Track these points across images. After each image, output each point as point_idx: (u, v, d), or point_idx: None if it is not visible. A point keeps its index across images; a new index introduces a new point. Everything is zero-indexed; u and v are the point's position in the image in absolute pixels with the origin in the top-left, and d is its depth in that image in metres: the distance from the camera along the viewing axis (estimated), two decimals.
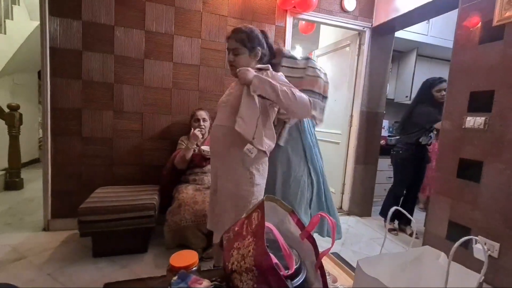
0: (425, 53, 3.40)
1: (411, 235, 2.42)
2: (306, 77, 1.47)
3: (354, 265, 0.77)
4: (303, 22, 2.96)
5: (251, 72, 1.18)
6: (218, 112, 1.35)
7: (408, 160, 2.43)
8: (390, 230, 2.51)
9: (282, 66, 1.49)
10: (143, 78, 2.16)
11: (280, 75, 1.28)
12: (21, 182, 3.09)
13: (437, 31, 3.05)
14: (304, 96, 1.19)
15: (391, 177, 3.29)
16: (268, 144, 1.28)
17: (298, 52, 4.90)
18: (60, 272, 1.58)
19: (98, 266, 1.67)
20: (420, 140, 2.36)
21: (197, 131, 1.92)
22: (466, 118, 1.64)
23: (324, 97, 1.47)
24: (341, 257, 0.96)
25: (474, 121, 1.60)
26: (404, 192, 2.55)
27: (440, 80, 2.29)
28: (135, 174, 2.23)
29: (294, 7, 2.36)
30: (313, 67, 1.50)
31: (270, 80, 1.17)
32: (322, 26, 3.40)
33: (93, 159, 2.13)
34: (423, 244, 1.85)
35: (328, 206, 1.67)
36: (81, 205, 1.71)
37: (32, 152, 4.26)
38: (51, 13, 1.93)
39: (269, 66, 1.31)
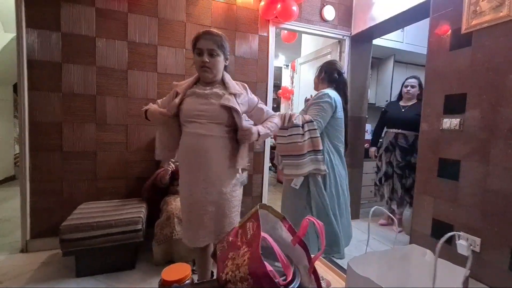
0: (401, 59, 3.58)
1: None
2: (293, 144, 1.52)
3: (345, 267, 0.78)
4: (285, 31, 3.04)
5: (256, 133, 1.24)
6: (194, 123, 1.21)
7: None
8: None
9: (277, 136, 1.58)
10: (126, 89, 2.13)
11: (253, 98, 1.36)
12: None
13: (411, 39, 3.22)
14: (276, 120, 1.40)
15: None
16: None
17: (281, 61, 4.96)
18: None
19: (82, 286, 1.59)
20: None
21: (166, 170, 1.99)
22: (443, 119, 1.73)
23: (317, 151, 1.52)
24: (332, 260, 0.97)
25: (450, 122, 1.69)
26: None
27: None
28: (120, 188, 2.16)
29: (276, 17, 2.43)
30: (295, 134, 1.55)
31: (268, 130, 1.31)
32: (303, 35, 3.50)
33: (75, 174, 2.05)
34: (410, 242, 1.91)
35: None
36: (63, 222, 1.63)
37: (7, 169, 4.04)
38: (28, 25, 1.88)
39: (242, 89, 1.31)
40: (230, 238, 0.74)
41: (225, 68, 1.30)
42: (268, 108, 1.38)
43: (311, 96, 3.23)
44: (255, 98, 1.35)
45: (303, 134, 1.51)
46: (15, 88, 3.92)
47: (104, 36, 2.05)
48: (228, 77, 1.29)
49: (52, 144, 1.99)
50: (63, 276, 1.68)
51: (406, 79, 2.62)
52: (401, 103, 2.61)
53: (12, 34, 3.03)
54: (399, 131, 2.51)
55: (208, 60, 1.18)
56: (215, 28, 2.32)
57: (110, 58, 2.07)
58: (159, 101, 1.41)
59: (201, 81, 1.28)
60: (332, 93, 1.60)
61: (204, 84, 1.26)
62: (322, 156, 1.53)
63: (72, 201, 2.00)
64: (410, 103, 2.56)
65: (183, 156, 1.26)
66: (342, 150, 1.67)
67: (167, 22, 2.19)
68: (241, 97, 1.25)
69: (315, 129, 1.52)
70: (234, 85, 1.27)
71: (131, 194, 2.16)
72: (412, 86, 2.54)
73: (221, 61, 1.23)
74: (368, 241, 0.72)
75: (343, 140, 1.68)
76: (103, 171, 2.11)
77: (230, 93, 1.22)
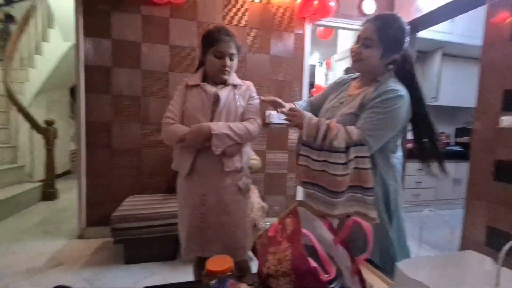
0: (450, 52, 3.28)
1: None
2: (326, 174, 0.94)
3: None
4: (321, 28, 2.97)
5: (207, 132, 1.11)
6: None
7: None
8: None
9: (300, 155, 1.01)
10: (167, 90, 2.26)
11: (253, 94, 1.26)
12: (56, 193, 3.28)
13: (461, 29, 2.94)
14: (252, 127, 1.19)
15: (420, 182, 3.17)
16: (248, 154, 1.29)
17: (315, 58, 4.84)
18: (96, 278, 1.66)
19: (130, 272, 1.73)
20: None
21: None
22: (501, 117, 1.56)
23: (366, 189, 0.95)
24: (373, 262, 0.93)
25: (510, 120, 1.52)
26: None
27: None
28: (162, 183, 2.30)
29: (313, 14, 2.38)
30: (332, 162, 0.92)
31: (229, 131, 1.13)
32: (340, 31, 3.39)
33: (122, 170, 2.23)
34: (461, 250, 1.75)
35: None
36: (113, 213, 1.79)
37: (65, 164, 4.52)
38: (85, 33, 2.09)
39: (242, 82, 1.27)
40: (270, 234, 0.75)
41: None
42: (256, 110, 1.24)
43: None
44: (253, 95, 1.27)
45: (345, 164, 0.92)
46: (71, 91, 4.38)
47: (148, 41, 2.19)
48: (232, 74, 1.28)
49: (103, 142, 2.19)
50: (114, 261, 1.84)
51: None
52: None
53: (70, 43, 3.38)
54: None
55: (229, 65, 1.19)
56: (251, 28, 2.36)
57: (153, 61, 2.22)
58: (172, 108, 1.34)
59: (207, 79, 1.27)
60: (404, 91, 0.94)
61: (211, 83, 1.26)
62: (372, 198, 0.94)
63: (120, 194, 2.18)
64: None
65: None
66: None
67: (205, 25, 2.28)
68: (241, 89, 1.25)
69: (365, 156, 0.93)
70: (234, 78, 1.26)
71: (172, 189, 2.29)
72: None
73: (237, 62, 1.24)
74: (419, 246, 0.68)
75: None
76: (147, 167, 2.27)
77: (228, 84, 1.23)
